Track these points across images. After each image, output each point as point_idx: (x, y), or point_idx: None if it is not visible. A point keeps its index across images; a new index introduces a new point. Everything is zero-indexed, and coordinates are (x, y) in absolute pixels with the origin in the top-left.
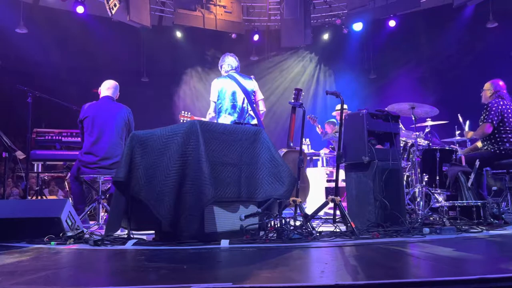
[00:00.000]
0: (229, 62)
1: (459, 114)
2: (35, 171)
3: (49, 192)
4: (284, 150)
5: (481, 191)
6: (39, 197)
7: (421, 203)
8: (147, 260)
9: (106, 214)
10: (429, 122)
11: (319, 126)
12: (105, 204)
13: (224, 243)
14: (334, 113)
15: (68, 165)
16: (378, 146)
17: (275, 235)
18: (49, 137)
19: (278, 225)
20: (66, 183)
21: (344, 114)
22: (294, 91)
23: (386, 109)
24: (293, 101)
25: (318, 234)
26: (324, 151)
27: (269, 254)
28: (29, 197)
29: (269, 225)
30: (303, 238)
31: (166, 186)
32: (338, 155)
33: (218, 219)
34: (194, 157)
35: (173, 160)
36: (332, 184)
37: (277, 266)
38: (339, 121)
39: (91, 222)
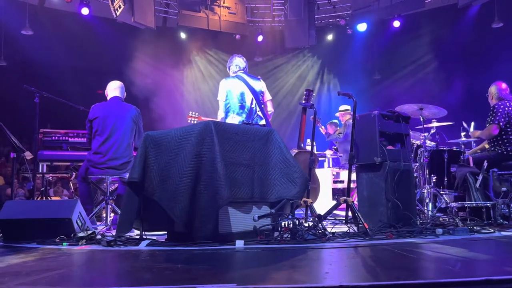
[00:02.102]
0: (237, 63)
1: (463, 122)
2: (40, 171)
3: (54, 192)
4: (295, 151)
5: (488, 193)
6: (44, 198)
7: (430, 204)
8: (159, 261)
9: (113, 215)
10: (435, 123)
11: (323, 127)
12: (113, 205)
13: (239, 243)
14: (337, 114)
15: (75, 166)
16: (389, 147)
17: (289, 235)
18: (56, 138)
19: (291, 226)
20: (71, 184)
21: (347, 115)
22: (305, 92)
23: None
24: (304, 102)
25: (331, 235)
26: (329, 152)
27: (285, 255)
28: (35, 198)
29: (283, 226)
30: (318, 239)
31: (181, 186)
32: (351, 155)
33: (232, 220)
34: (209, 157)
35: (188, 160)
36: (338, 185)
37: (292, 267)
38: (342, 122)
39: (97, 223)
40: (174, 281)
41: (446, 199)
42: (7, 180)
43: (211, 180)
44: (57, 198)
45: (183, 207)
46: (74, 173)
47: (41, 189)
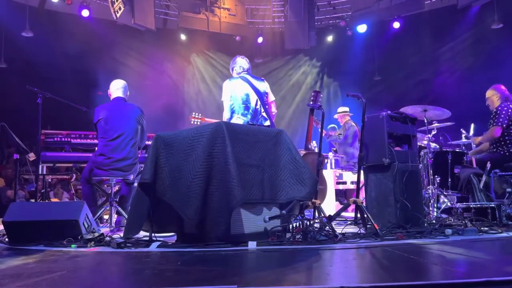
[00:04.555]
0: (241, 64)
1: (462, 129)
2: (40, 173)
3: (54, 194)
4: (303, 152)
5: (489, 194)
6: (45, 200)
7: (435, 205)
8: (169, 262)
9: (116, 216)
10: (435, 125)
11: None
12: (117, 206)
13: (252, 245)
14: (335, 116)
15: (78, 167)
16: (396, 148)
17: (301, 236)
18: (58, 139)
19: (301, 226)
20: (71, 186)
21: (346, 117)
22: (312, 93)
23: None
24: (311, 103)
25: (342, 236)
26: (331, 154)
27: (297, 257)
28: (38, 200)
29: (295, 227)
30: (330, 240)
31: (193, 187)
32: (360, 157)
33: (244, 221)
34: (221, 158)
35: (200, 161)
36: (340, 186)
37: (301, 269)
38: (341, 124)
39: (100, 225)
40: (176, 283)
41: (446, 200)
42: (7, 182)
43: (223, 181)
44: (56, 200)
45: (196, 208)
46: (74, 175)
47: (42, 191)
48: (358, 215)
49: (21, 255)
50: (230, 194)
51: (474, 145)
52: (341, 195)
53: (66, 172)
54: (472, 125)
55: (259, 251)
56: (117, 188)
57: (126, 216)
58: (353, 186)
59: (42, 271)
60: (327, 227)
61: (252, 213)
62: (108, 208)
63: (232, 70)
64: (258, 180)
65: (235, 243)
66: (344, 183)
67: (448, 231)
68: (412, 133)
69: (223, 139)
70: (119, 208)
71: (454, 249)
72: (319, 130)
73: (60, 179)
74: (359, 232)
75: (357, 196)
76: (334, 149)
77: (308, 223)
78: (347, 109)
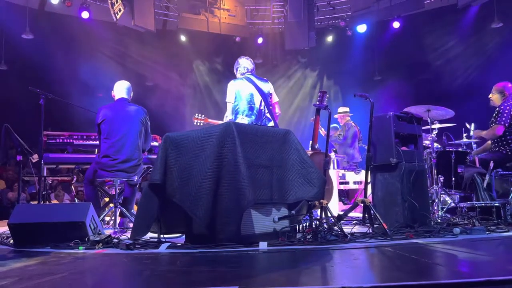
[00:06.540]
0: (245, 64)
1: (466, 123)
2: (40, 174)
3: (55, 196)
4: (309, 152)
5: (490, 193)
6: (47, 202)
7: (439, 204)
8: (180, 264)
9: (120, 218)
10: (437, 125)
11: (323, 129)
12: (121, 208)
13: (263, 245)
14: (336, 116)
15: (80, 169)
16: (403, 148)
17: (311, 237)
18: (60, 140)
19: (313, 227)
20: (72, 187)
21: (346, 117)
22: (319, 93)
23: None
24: (317, 103)
25: (351, 236)
26: (333, 154)
27: (308, 256)
28: (41, 202)
29: (304, 227)
30: (340, 240)
31: (203, 188)
32: (368, 156)
33: (254, 221)
34: (231, 158)
35: (210, 161)
36: (341, 186)
37: (311, 269)
38: (341, 124)
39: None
40: (175, 285)
41: (448, 200)
42: (7, 184)
43: (234, 181)
44: (56, 202)
45: (206, 209)
46: (75, 176)
47: (43, 193)
48: (366, 215)
49: (27, 257)
50: (241, 194)
51: (474, 141)
52: (343, 195)
53: (67, 173)
54: (473, 125)
55: (271, 251)
56: (118, 190)
57: (130, 218)
58: (355, 186)
59: (50, 273)
60: (336, 227)
61: (261, 214)
62: (111, 210)
63: (236, 70)
64: (267, 180)
65: (245, 243)
66: (347, 183)
67: (457, 230)
68: (418, 133)
69: (232, 139)
70: (123, 210)
71: (465, 248)
72: (320, 130)
73: (61, 181)
74: (368, 232)
75: (365, 196)
76: (334, 149)
77: (318, 223)
78: (347, 109)
